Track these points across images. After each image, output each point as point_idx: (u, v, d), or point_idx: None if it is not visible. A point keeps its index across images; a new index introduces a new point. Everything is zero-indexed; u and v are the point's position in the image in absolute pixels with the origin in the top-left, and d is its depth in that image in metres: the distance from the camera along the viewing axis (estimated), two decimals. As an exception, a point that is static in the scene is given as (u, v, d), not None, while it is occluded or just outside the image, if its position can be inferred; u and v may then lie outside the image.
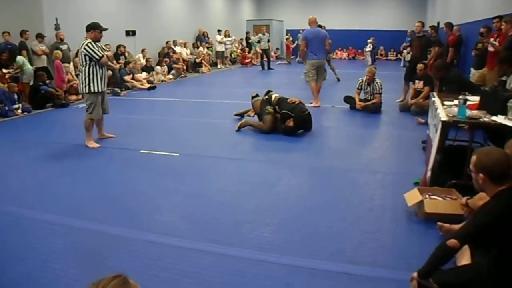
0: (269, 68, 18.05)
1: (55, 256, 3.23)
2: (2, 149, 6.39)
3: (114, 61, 11.59)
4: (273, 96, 7.08)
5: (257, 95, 7.43)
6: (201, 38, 18.62)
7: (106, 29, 6.25)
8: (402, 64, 18.95)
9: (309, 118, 6.95)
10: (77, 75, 9.80)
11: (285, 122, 6.73)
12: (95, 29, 6.09)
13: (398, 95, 9.81)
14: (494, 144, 4.31)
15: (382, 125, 7.91)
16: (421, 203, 3.76)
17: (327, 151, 6.24)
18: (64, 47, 10.71)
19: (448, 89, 5.99)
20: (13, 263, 3.14)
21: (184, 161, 5.65)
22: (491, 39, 7.49)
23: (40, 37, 10.29)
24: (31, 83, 9.65)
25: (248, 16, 25.17)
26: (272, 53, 21.40)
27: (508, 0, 8.10)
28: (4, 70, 9.19)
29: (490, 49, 7.50)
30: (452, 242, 2.24)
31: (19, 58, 9.52)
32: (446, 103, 4.62)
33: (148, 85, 12.60)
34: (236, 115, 8.06)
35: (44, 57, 10.38)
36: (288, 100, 6.95)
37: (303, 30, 21.64)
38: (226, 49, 19.43)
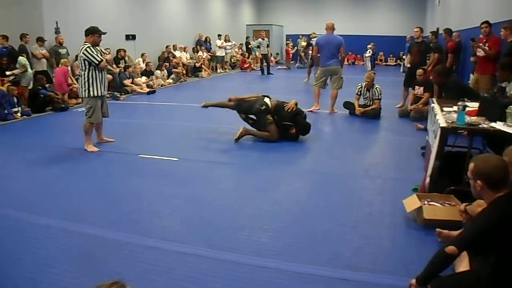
0: (268, 73, 18.08)
1: (53, 260, 3.23)
2: (2, 153, 6.37)
3: (114, 65, 11.60)
4: (269, 103, 6.88)
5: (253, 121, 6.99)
6: (201, 43, 18.65)
7: (105, 33, 6.25)
8: (401, 70, 18.99)
9: (309, 127, 6.92)
10: (77, 79, 9.84)
11: (287, 131, 6.80)
12: (94, 33, 6.09)
13: (398, 101, 9.83)
14: (493, 150, 4.32)
15: (381, 130, 7.92)
16: (420, 209, 3.76)
17: (326, 156, 6.23)
18: (63, 51, 10.73)
19: (447, 95, 6.00)
20: (12, 266, 3.14)
21: (183, 165, 5.65)
22: (480, 44, 7.51)
23: (40, 40, 10.32)
24: (30, 86, 9.65)
25: (248, 21, 25.24)
26: (272, 58, 21.44)
27: (507, 6, 8.13)
28: (8, 72, 9.20)
29: (480, 53, 7.51)
30: (451, 248, 2.24)
31: (21, 59, 9.51)
32: (445, 109, 4.63)
33: (148, 90, 12.61)
34: (204, 106, 7.45)
35: (44, 60, 10.41)
36: (286, 109, 6.83)
37: (302, 35, 21.64)
38: (226, 53, 19.47)
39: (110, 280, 1.26)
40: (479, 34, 8.55)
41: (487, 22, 7.63)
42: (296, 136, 6.86)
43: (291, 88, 13.78)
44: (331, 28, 9.20)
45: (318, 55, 9.24)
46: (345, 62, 23.55)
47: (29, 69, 9.69)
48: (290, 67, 21.42)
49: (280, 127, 6.81)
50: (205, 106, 7.42)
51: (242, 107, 6.99)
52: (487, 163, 2.40)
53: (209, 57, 18.55)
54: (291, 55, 22.40)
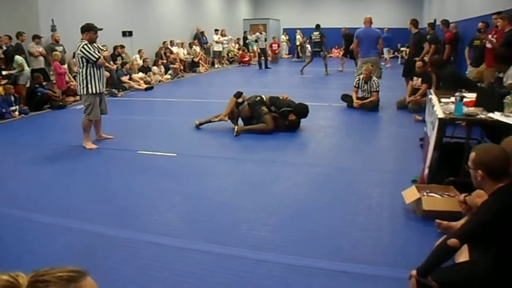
0: (266, 67, 18.04)
1: (54, 257, 3.22)
2: (0, 152, 6.37)
3: (111, 62, 11.57)
4: (264, 97, 7.15)
5: (243, 101, 7.14)
6: (199, 37, 18.59)
7: (101, 29, 6.23)
8: (399, 62, 19.04)
9: (307, 107, 7.16)
10: (74, 77, 9.82)
11: (287, 117, 6.95)
12: (89, 30, 6.07)
13: (395, 93, 9.77)
14: (492, 140, 4.32)
15: (379, 123, 7.91)
16: (419, 200, 3.76)
17: (324, 149, 6.24)
18: (59, 48, 10.68)
19: (444, 86, 6.00)
20: (12, 265, 3.11)
21: (182, 161, 5.65)
22: (489, 36, 7.47)
23: (37, 38, 10.27)
24: (28, 85, 9.62)
25: (245, 16, 25.17)
26: (269, 52, 21.38)
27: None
28: (4, 72, 9.16)
29: (488, 45, 7.48)
30: (453, 241, 2.23)
31: (17, 58, 9.47)
32: (443, 100, 4.63)
33: (145, 86, 12.59)
34: (200, 124, 7.37)
35: (41, 58, 10.36)
36: (281, 98, 7.21)
37: (299, 29, 21.62)
38: (223, 48, 19.41)
39: (70, 266, 1.17)
40: (477, 25, 8.54)
41: (498, 13, 7.55)
42: (296, 122, 7.04)
43: (290, 82, 13.76)
44: (369, 21, 9.78)
45: (358, 47, 9.81)
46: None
47: (27, 68, 9.66)
48: (278, 61, 21.27)
49: (280, 114, 6.98)
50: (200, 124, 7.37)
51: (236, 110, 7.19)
52: (488, 152, 2.39)
53: (203, 51, 18.45)
54: (276, 50, 21.95)
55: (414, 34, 9.95)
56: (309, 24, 16.90)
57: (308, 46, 20.06)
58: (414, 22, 10.16)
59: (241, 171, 5.35)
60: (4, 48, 9.62)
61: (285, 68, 18.79)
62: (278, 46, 22.09)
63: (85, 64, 6.04)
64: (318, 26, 15.92)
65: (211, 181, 4.88)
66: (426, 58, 9.04)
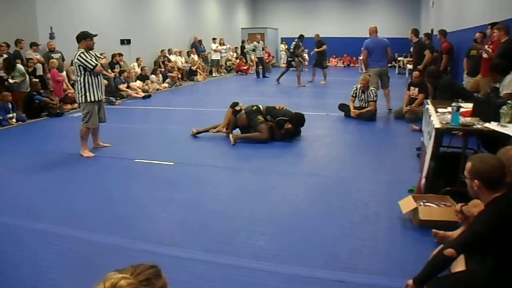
0: (264, 76, 18.08)
1: (50, 265, 3.21)
2: (-4, 159, 6.36)
3: (109, 70, 11.58)
4: (261, 106, 7.20)
5: (240, 110, 7.20)
6: (197, 45, 18.64)
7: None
8: (396, 72, 19.12)
9: (303, 116, 7.18)
10: (72, 85, 9.82)
11: (283, 127, 6.95)
12: (85, 38, 6.08)
13: (393, 102, 9.78)
14: (488, 150, 4.33)
15: (376, 132, 7.93)
16: (415, 210, 3.77)
17: (321, 158, 6.24)
18: (57, 56, 10.67)
19: (441, 96, 6.03)
20: (10, 272, 3.12)
21: (179, 169, 5.65)
22: (486, 46, 7.51)
23: (34, 45, 10.28)
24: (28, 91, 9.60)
25: (243, 25, 25.25)
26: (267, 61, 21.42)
27: (499, 7, 8.16)
28: (11, 80, 9.12)
29: (485, 55, 7.52)
30: (450, 251, 2.24)
31: (20, 67, 9.46)
32: (439, 110, 4.65)
33: (143, 94, 12.60)
34: (197, 133, 7.39)
35: (39, 65, 10.36)
36: (277, 107, 7.27)
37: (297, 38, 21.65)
38: (221, 57, 19.46)
39: (149, 263, 1.40)
40: (474, 35, 8.59)
41: (493, 24, 7.60)
42: (293, 132, 7.05)
43: (288, 91, 13.78)
44: (375, 31, 9.85)
45: (367, 58, 9.83)
46: (341, 65, 23.59)
47: (27, 75, 9.64)
48: (271, 70, 21.28)
49: (276, 123, 7.00)
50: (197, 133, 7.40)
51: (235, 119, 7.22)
52: (484, 162, 2.40)
53: (201, 60, 18.48)
54: (267, 60, 21.92)
55: (415, 43, 10.13)
56: (307, 33, 16.91)
57: (306, 55, 20.12)
58: (415, 32, 10.39)
59: (238, 180, 5.35)
60: (5, 56, 9.61)
61: (283, 77, 18.80)
62: (269, 56, 22.13)
63: (83, 72, 6.04)
64: (300, 36, 15.68)
65: (208, 189, 4.88)
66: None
